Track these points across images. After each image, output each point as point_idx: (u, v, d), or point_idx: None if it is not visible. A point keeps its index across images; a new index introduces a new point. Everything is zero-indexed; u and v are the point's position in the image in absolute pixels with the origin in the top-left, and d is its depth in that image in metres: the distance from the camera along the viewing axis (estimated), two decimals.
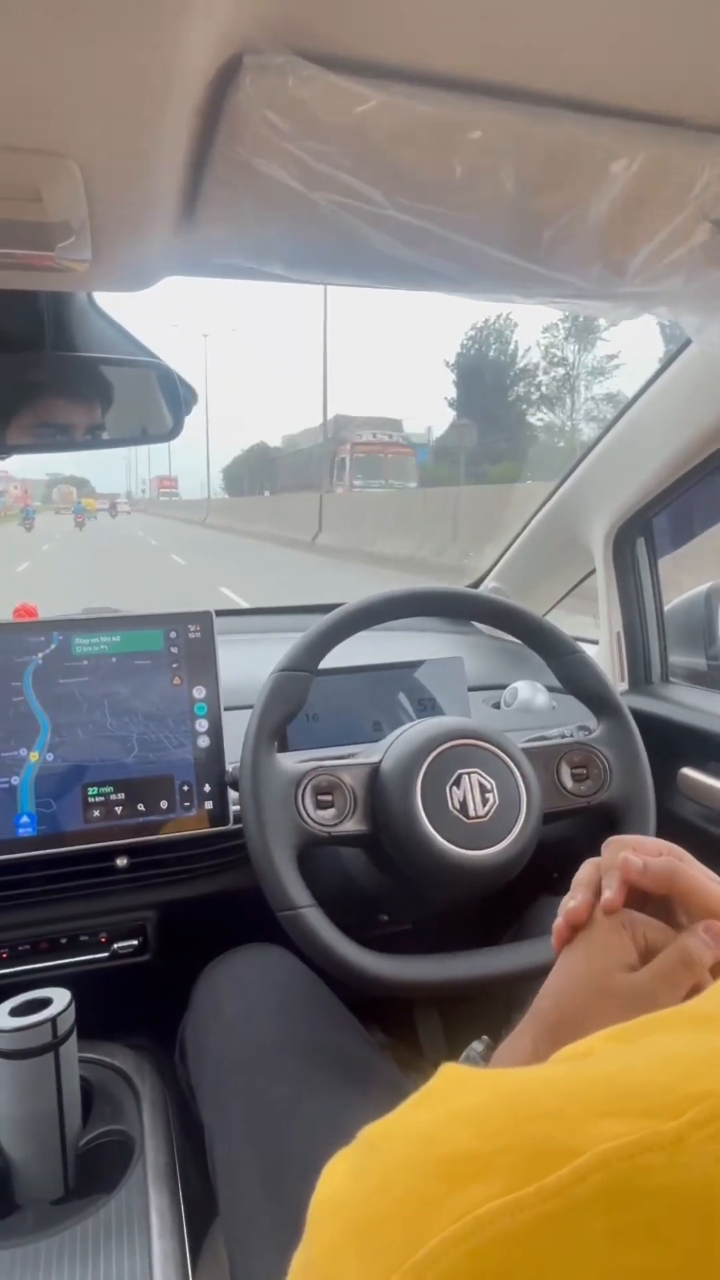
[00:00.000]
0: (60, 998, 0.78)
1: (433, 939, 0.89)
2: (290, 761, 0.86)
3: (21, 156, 0.45)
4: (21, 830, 0.88)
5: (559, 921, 0.52)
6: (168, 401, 0.83)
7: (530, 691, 1.24)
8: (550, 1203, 0.21)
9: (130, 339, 0.79)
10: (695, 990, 0.46)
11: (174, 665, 0.95)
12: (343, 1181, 0.27)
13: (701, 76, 0.48)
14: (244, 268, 0.62)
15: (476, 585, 1.57)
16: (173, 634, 0.95)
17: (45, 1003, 0.77)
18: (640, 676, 1.25)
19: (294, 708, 0.87)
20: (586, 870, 0.53)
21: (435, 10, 0.41)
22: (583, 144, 0.49)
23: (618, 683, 1.25)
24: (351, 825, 0.84)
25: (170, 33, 0.38)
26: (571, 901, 0.51)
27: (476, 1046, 0.68)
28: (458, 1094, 0.27)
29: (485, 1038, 0.69)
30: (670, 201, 0.54)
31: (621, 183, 0.51)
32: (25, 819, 0.88)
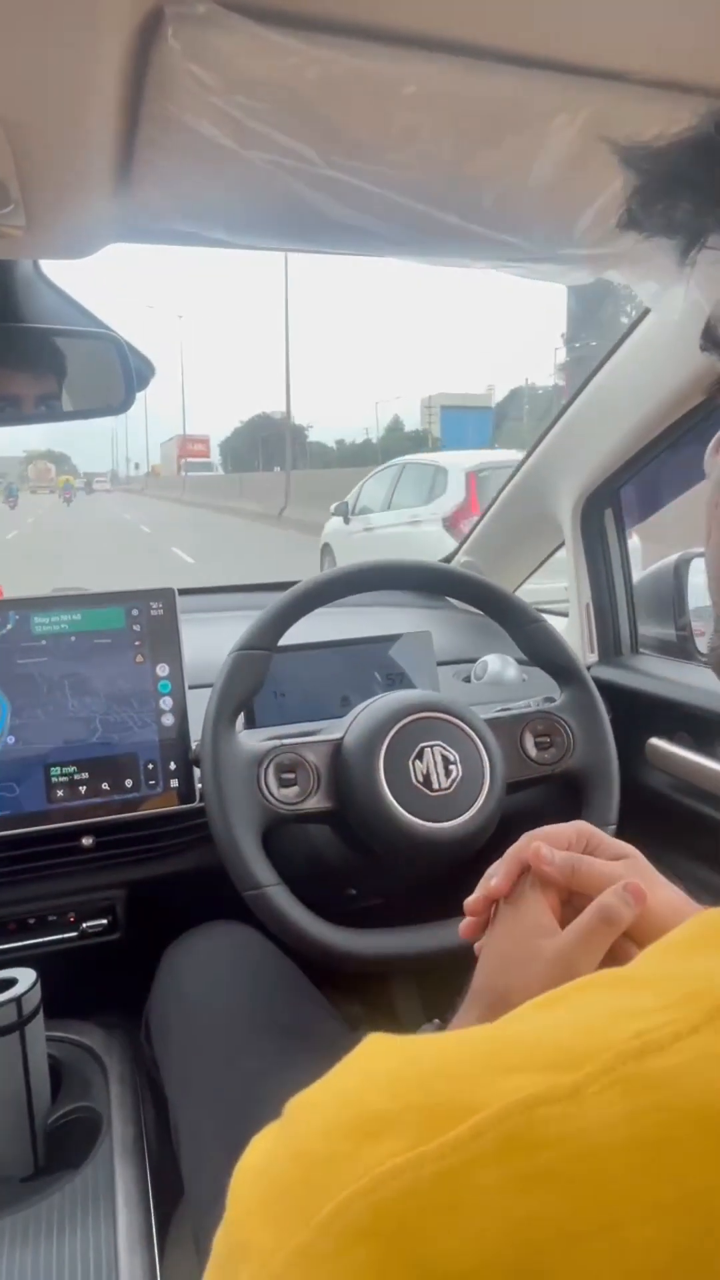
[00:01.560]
0: (25, 977, 0.77)
1: (403, 913, 0.89)
2: (252, 740, 0.85)
3: None
4: None
5: (475, 895, 0.54)
6: (122, 374, 0.81)
7: (500, 665, 1.24)
8: (449, 1158, 0.22)
9: (81, 310, 0.77)
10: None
11: (136, 643, 0.94)
12: (262, 1150, 0.28)
13: (645, 29, 0.47)
14: (187, 233, 0.60)
15: (450, 559, 1.57)
16: (135, 611, 0.94)
17: (10, 983, 0.77)
18: (610, 648, 1.25)
19: (254, 686, 0.86)
20: (510, 852, 0.55)
21: None
22: (523, 100, 0.48)
23: (588, 654, 1.25)
24: (315, 803, 0.83)
25: None
26: (493, 880, 0.54)
27: (427, 1029, 0.68)
28: (376, 1058, 0.28)
29: (436, 1020, 0.70)
30: (615, 159, 0.53)
31: (564, 140, 0.50)
32: None
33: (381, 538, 6.87)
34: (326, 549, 8.16)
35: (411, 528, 6.40)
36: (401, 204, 0.52)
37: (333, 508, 8.11)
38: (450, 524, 5.72)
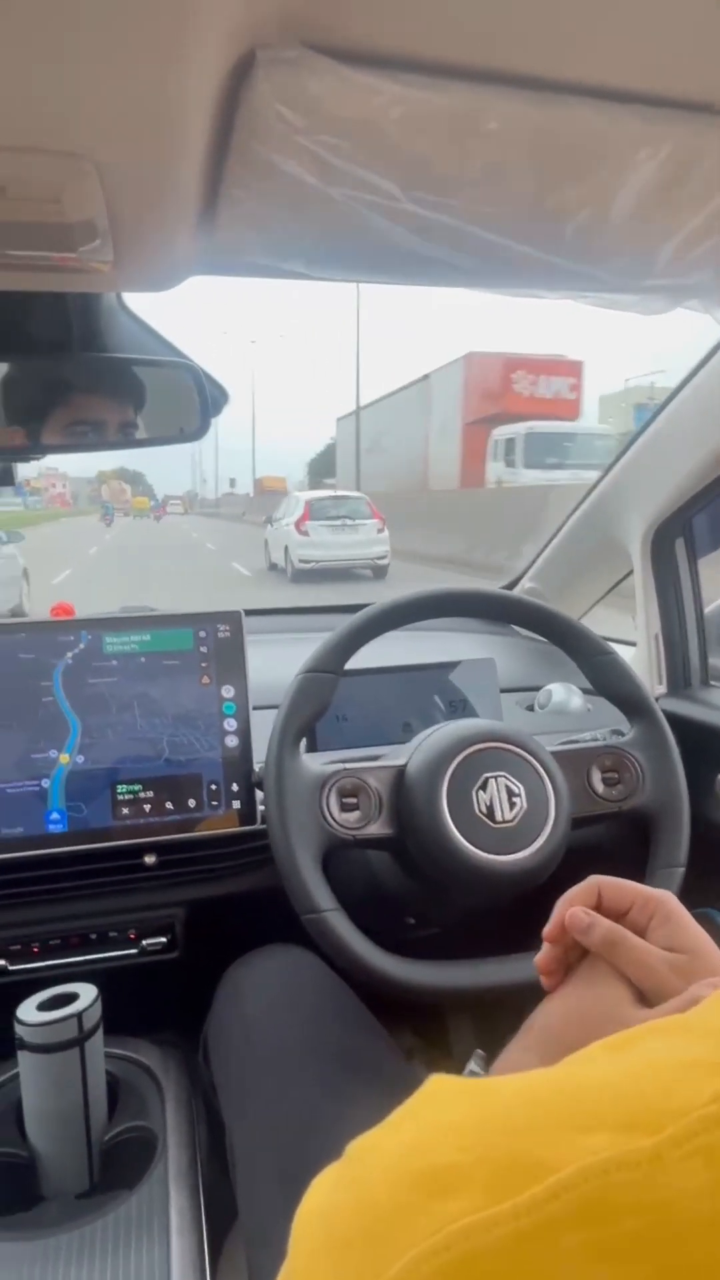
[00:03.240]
0: (87, 993, 0.78)
1: (460, 944, 0.88)
2: (315, 763, 0.85)
3: (38, 158, 0.45)
4: (52, 826, 0.89)
5: (554, 924, 0.52)
6: (199, 401, 0.83)
7: (565, 694, 1.22)
8: (524, 1219, 0.21)
9: (160, 339, 0.79)
10: None
11: (203, 664, 0.95)
12: (325, 1194, 0.27)
13: None
14: (266, 266, 0.62)
15: (514, 585, 1.56)
16: (202, 633, 0.96)
17: (72, 998, 0.78)
18: (679, 679, 1.22)
19: (319, 708, 0.86)
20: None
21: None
22: (605, 133, 0.48)
23: (656, 686, 1.22)
24: (376, 828, 0.83)
25: (181, 29, 0.38)
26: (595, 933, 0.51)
27: (473, 1065, 0.67)
28: (441, 1106, 0.27)
29: (480, 1053, 0.68)
30: (699, 191, 0.52)
31: (647, 172, 0.50)
32: (55, 815, 0.89)
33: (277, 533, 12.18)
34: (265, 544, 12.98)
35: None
36: (481, 237, 0.52)
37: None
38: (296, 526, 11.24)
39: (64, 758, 0.90)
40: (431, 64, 0.44)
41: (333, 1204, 0.26)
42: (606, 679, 0.93)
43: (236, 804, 0.95)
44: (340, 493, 14.18)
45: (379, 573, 11.10)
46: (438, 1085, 0.28)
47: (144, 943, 0.98)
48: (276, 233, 0.57)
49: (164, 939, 0.98)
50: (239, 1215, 0.72)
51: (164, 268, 0.62)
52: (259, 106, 0.45)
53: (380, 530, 11.34)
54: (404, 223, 0.51)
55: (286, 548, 11.34)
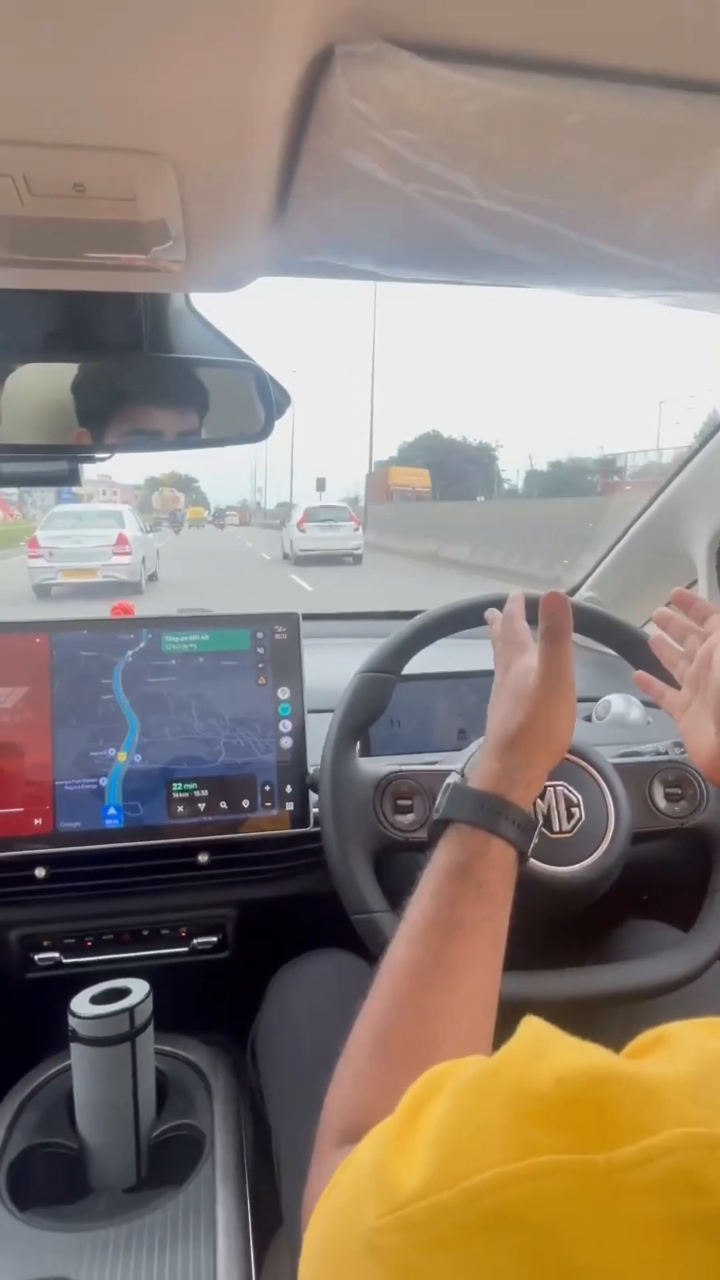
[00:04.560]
0: (139, 988, 0.79)
1: (512, 954, 0.86)
2: (371, 765, 0.85)
3: (115, 156, 0.45)
4: (108, 821, 0.90)
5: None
6: (261, 402, 0.84)
7: (624, 705, 1.19)
8: (618, 1178, 0.21)
9: (225, 340, 0.80)
10: None
11: (259, 665, 0.95)
12: (432, 1086, 0.29)
13: None
14: (335, 265, 0.61)
15: (573, 593, 1.53)
16: (259, 634, 0.96)
17: (124, 992, 0.78)
18: None
19: (376, 710, 0.86)
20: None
21: None
22: (687, 125, 0.46)
23: None
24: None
25: (261, 27, 0.38)
26: None
27: (452, 779, 0.75)
28: (543, 1041, 0.28)
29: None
30: None
31: None
32: (112, 810, 0.90)
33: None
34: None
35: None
36: (557, 233, 0.51)
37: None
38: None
39: (121, 756, 0.91)
40: (512, 57, 0.43)
41: (434, 1100, 0.28)
42: None
43: (289, 805, 0.95)
44: (328, 503, 19.74)
45: (356, 559, 15.84)
46: (537, 1026, 0.29)
47: (194, 941, 0.98)
48: (347, 231, 0.57)
49: (214, 938, 0.99)
50: (284, 1220, 0.71)
51: (234, 267, 0.62)
52: (335, 102, 0.44)
53: (356, 529, 16.30)
54: (477, 219, 0.51)
55: (291, 541, 16.39)
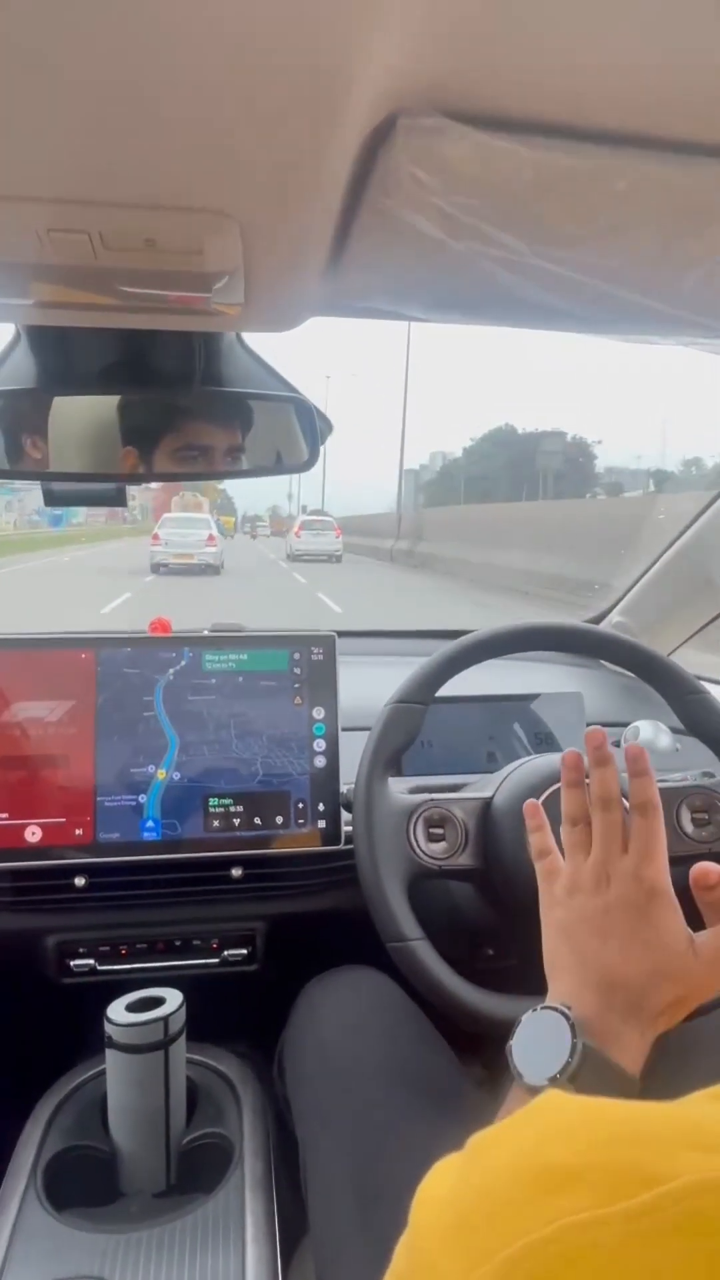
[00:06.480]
0: (173, 998, 0.81)
1: (538, 978, 0.88)
2: (402, 792, 0.87)
3: (189, 215, 0.48)
4: (146, 834, 0.93)
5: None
6: (304, 433, 0.86)
7: (652, 731, 1.20)
8: (636, 1223, 0.23)
9: (273, 373, 0.82)
10: None
11: (296, 685, 0.98)
12: (447, 1180, 0.30)
13: None
14: (384, 310, 0.64)
15: (602, 619, 1.54)
16: (297, 655, 0.99)
17: (158, 1001, 0.81)
18: None
19: (408, 738, 0.88)
20: None
21: (584, 65, 0.42)
22: None
23: None
24: (462, 860, 0.84)
25: (330, 98, 0.41)
26: None
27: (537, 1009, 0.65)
28: (557, 1113, 0.30)
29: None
30: None
31: None
32: (150, 823, 0.93)
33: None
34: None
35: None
36: (601, 288, 0.53)
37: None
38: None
39: (161, 774, 0.93)
40: (564, 127, 0.45)
41: (457, 1190, 0.29)
42: (698, 718, 0.91)
43: (321, 823, 0.97)
44: (317, 516, 23.52)
45: (336, 559, 19.20)
46: (553, 1097, 0.30)
47: (225, 953, 1.01)
48: (399, 279, 0.59)
49: (244, 951, 1.01)
50: (310, 1230, 0.73)
51: (288, 310, 0.65)
52: (395, 168, 0.47)
53: (337, 536, 19.89)
54: (526, 274, 0.53)
55: (291, 545, 20.11)
